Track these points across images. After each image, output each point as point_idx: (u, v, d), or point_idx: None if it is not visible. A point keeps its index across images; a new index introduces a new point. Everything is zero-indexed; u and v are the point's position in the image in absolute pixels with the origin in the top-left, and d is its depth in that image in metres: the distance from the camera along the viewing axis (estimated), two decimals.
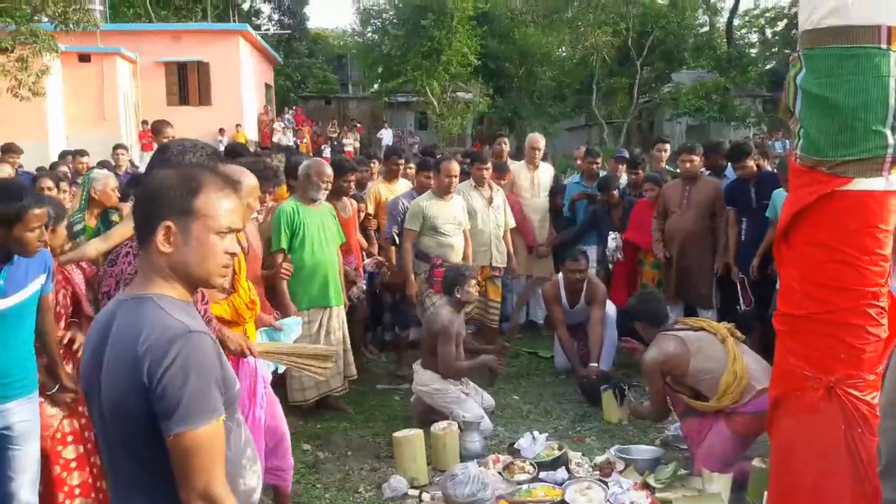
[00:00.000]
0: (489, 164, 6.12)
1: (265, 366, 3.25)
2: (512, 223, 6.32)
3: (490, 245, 5.99)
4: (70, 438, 3.10)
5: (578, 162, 7.56)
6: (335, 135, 24.42)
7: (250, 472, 1.73)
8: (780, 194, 5.08)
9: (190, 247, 1.61)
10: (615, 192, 6.45)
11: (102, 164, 8.05)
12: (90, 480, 3.13)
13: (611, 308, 5.67)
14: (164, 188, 1.62)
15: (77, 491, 3.07)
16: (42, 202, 2.78)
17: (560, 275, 5.75)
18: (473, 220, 5.87)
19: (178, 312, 1.56)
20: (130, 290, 1.65)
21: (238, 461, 1.69)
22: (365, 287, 5.56)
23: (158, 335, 1.50)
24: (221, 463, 1.51)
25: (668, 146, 7.15)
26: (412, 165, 6.95)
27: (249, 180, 3.22)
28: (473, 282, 4.81)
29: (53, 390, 3.04)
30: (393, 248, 5.93)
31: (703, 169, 6.09)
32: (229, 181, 1.70)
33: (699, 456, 3.86)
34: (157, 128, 5.71)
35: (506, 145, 7.57)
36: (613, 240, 6.09)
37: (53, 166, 8.45)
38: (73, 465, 3.09)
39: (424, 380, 4.73)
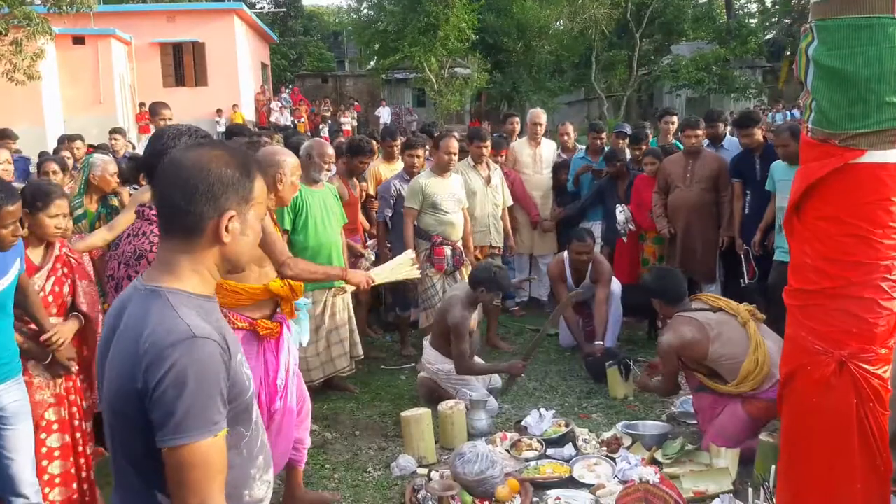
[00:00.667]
0: (488, 142, 6.09)
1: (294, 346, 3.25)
2: (510, 201, 6.29)
3: (489, 225, 6.02)
4: (56, 427, 3.09)
5: (564, 138, 7.46)
6: (328, 114, 24.30)
7: (259, 483, 1.59)
8: (777, 166, 5.09)
9: (246, 236, 1.50)
10: (620, 164, 6.38)
11: (102, 148, 8.02)
12: (73, 471, 3.12)
13: (615, 285, 5.65)
14: (221, 174, 1.44)
15: (57, 480, 3.07)
16: (16, 198, 2.75)
17: (565, 253, 5.72)
18: (472, 201, 5.86)
19: (189, 313, 1.42)
20: (148, 277, 1.51)
21: (247, 471, 1.56)
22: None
23: (160, 337, 1.37)
24: (219, 480, 1.40)
25: (675, 118, 7.07)
26: None
27: (292, 159, 3.18)
28: (499, 298, 4.79)
29: (47, 361, 3.04)
30: (386, 231, 5.87)
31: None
32: (257, 161, 1.60)
33: (710, 433, 3.84)
34: (154, 109, 5.69)
35: (516, 125, 7.54)
36: (622, 212, 6.02)
37: (56, 152, 8.38)
38: (57, 453, 3.08)
39: (431, 358, 4.75)
